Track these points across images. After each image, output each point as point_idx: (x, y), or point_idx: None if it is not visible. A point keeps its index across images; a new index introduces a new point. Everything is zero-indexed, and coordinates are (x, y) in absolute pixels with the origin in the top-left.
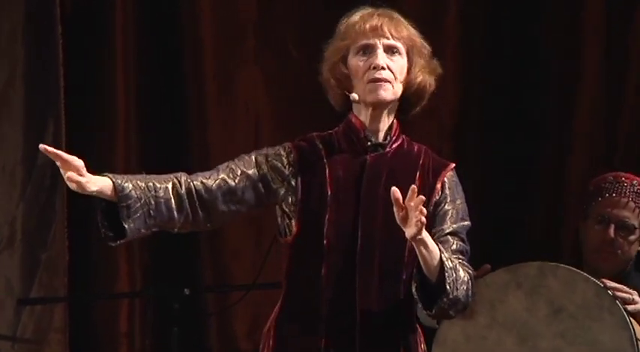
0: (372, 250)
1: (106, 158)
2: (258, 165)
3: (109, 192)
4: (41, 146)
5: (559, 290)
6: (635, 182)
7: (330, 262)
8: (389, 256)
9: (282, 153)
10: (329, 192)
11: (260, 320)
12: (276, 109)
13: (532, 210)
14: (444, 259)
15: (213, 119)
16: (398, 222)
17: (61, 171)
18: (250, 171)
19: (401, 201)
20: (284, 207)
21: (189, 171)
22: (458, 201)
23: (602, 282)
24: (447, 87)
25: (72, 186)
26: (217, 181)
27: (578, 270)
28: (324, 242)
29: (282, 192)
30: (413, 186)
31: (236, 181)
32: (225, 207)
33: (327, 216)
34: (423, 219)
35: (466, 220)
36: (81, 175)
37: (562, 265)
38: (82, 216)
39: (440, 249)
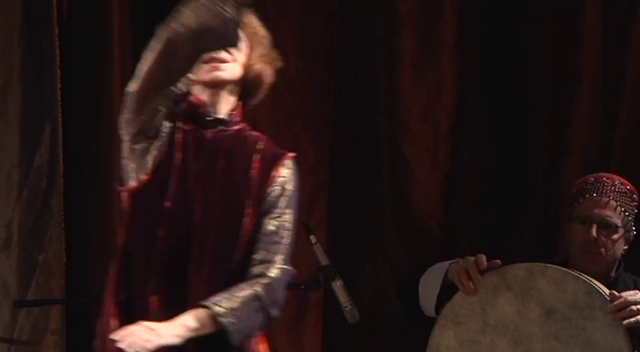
0: (208, 225)
1: (104, 161)
2: None
3: None
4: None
5: (549, 291)
6: (617, 182)
7: (168, 226)
8: (224, 233)
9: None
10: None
11: None
12: (271, 112)
13: (527, 213)
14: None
15: None
16: None
17: None
18: None
19: None
20: None
21: None
22: (288, 190)
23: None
24: (443, 90)
25: None
26: None
27: (568, 270)
28: (167, 203)
29: None
30: None
31: None
32: None
33: (172, 178)
34: None
35: (290, 210)
36: None
37: (551, 265)
38: (79, 218)
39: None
